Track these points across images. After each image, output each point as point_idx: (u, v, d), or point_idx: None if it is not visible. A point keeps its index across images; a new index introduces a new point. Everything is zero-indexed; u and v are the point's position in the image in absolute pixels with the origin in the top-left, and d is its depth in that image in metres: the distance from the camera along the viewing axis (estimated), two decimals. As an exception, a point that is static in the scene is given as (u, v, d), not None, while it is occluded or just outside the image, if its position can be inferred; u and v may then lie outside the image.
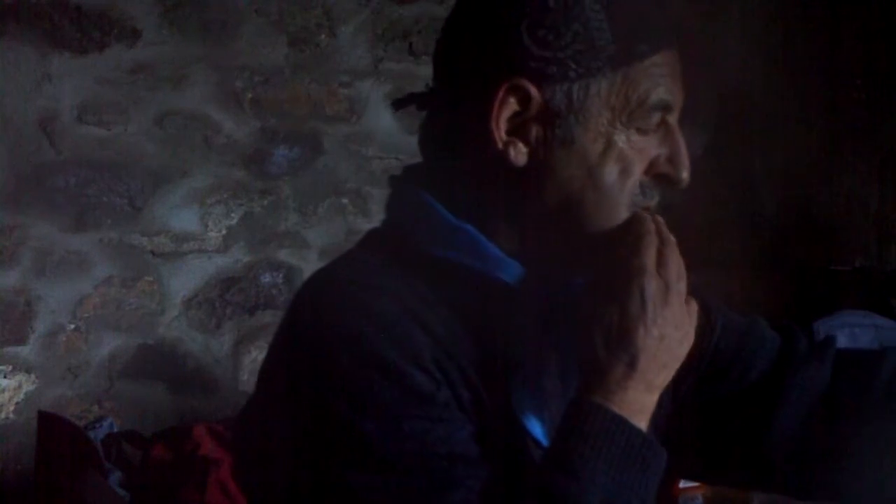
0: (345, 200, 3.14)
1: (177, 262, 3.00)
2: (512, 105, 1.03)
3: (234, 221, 3.05)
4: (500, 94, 1.02)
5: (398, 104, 1.16)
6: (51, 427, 2.56)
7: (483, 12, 1.05)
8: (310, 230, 3.11)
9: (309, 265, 3.09)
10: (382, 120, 3.18)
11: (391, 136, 3.19)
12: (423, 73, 3.21)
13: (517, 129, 1.03)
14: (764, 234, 3.18)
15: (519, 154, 1.04)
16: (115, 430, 2.78)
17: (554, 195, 1.05)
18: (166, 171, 2.98)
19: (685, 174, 1.08)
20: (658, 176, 1.07)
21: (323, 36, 3.14)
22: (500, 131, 1.03)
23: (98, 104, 2.91)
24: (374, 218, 3.17)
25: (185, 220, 3.00)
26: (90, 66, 2.89)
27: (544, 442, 1.05)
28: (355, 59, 3.17)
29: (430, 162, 1.13)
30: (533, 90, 1.02)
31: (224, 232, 3.04)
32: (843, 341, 2.34)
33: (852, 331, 2.36)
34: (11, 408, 2.83)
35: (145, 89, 2.95)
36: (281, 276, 3.09)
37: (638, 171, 1.06)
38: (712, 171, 3.22)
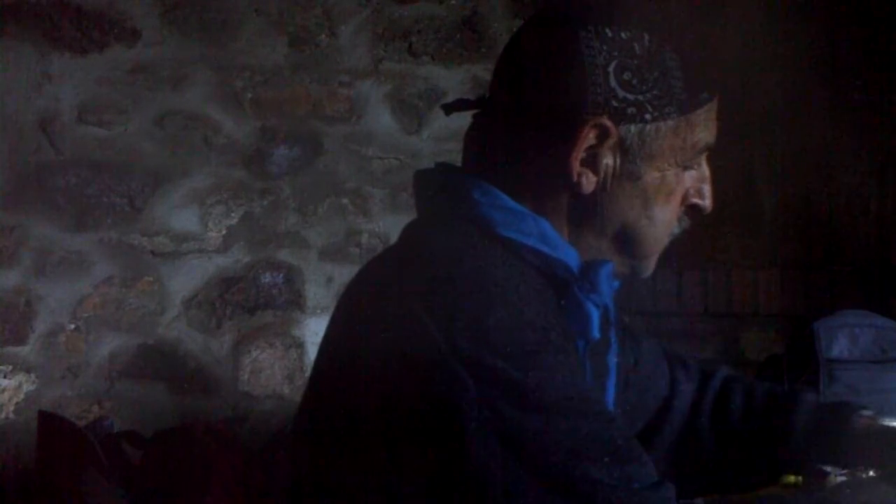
0: (345, 200, 3.14)
1: (177, 262, 3.00)
2: (590, 139, 1.12)
3: (234, 221, 3.05)
4: (585, 130, 1.11)
5: (448, 108, 1.24)
6: (51, 427, 2.56)
7: (569, 49, 1.12)
8: (310, 230, 3.11)
9: (309, 265, 3.09)
10: (382, 120, 3.18)
11: (391, 136, 3.19)
12: (422, 73, 3.22)
13: (589, 159, 1.13)
14: (764, 234, 3.18)
15: (589, 183, 1.13)
16: (115, 430, 2.77)
17: (612, 220, 1.16)
18: (166, 171, 2.98)
19: (711, 204, 1.21)
20: (689, 206, 1.20)
21: (323, 36, 3.14)
22: (577, 163, 1.12)
23: (98, 104, 2.91)
24: (375, 218, 3.18)
25: (185, 220, 3.00)
26: (90, 66, 2.89)
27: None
28: (355, 59, 3.17)
29: (481, 163, 1.19)
30: (612, 128, 1.11)
31: (224, 232, 3.04)
32: (843, 341, 2.34)
33: (852, 331, 2.35)
34: (11, 408, 2.83)
35: (145, 89, 2.95)
36: (281, 276, 3.09)
37: (678, 203, 1.19)
38: (712, 170, 3.23)
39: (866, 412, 1.40)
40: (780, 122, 3.14)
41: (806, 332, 2.36)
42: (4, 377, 2.83)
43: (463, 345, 1.02)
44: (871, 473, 1.43)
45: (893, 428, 1.39)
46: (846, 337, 2.34)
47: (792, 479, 1.72)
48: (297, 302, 3.09)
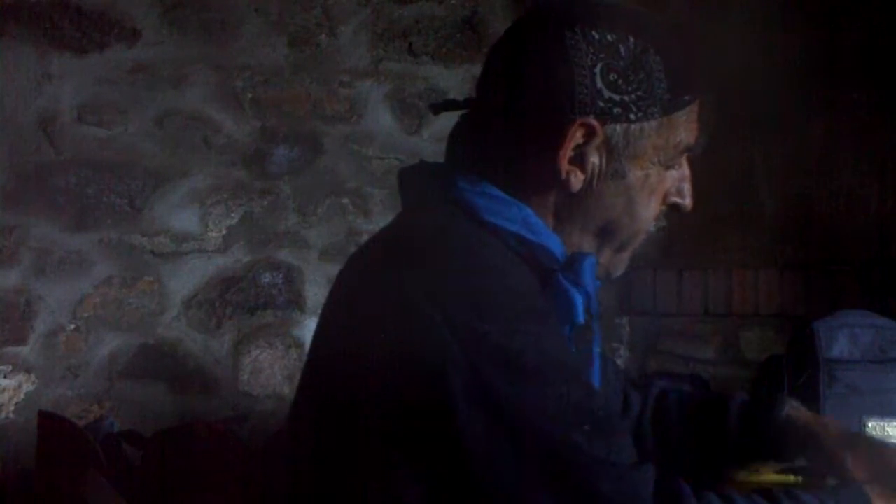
0: (345, 200, 3.14)
1: (177, 262, 3.00)
2: (577, 138, 1.14)
3: (234, 221, 3.05)
4: (572, 129, 1.14)
5: (436, 108, 1.28)
6: (51, 427, 2.56)
7: (557, 51, 1.15)
8: (310, 230, 3.11)
9: (309, 265, 3.09)
10: (382, 120, 3.18)
11: (391, 136, 3.19)
12: (422, 73, 3.22)
13: (576, 158, 1.16)
14: (764, 234, 3.18)
15: (577, 181, 1.16)
16: (115, 430, 2.77)
17: (596, 216, 1.19)
18: (166, 171, 2.98)
19: (691, 202, 1.25)
20: (670, 205, 1.24)
21: (323, 36, 3.14)
22: (565, 161, 1.15)
23: (98, 104, 2.91)
24: (375, 218, 3.17)
25: (185, 220, 3.00)
26: (90, 66, 2.90)
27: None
28: (355, 59, 3.17)
29: (467, 160, 1.21)
30: (598, 127, 1.14)
31: (224, 232, 3.04)
32: (843, 341, 2.34)
33: (852, 331, 2.35)
34: (11, 408, 2.83)
35: (145, 89, 2.95)
36: (281, 276, 3.09)
37: (659, 201, 1.22)
38: (712, 170, 3.23)
39: (794, 403, 1.44)
40: (780, 122, 3.14)
41: (806, 332, 2.36)
42: (4, 377, 2.83)
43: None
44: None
45: (819, 417, 1.44)
46: (846, 337, 2.34)
47: (792, 478, 1.72)
48: (297, 302, 3.09)
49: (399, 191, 1.27)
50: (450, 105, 1.27)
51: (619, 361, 3.23)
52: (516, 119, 1.17)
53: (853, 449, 1.35)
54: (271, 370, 3.07)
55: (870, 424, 2.15)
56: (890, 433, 2.15)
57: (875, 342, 2.33)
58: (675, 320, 3.26)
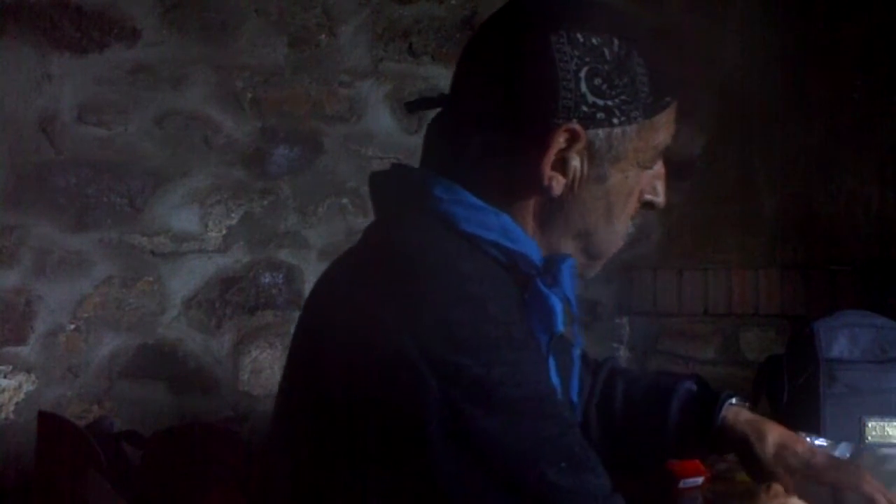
0: (345, 200, 3.14)
1: (177, 262, 3.00)
2: (560, 144, 1.13)
3: (234, 221, 3.05)
4: (556, 135, 1.12)
5: (411, 106, 1.27)
6: (51, 427, 2.56)
7: (541, 54, 1.12)
8: (310, 230, 3.11)
9: (309, 265, 3.09)
10: (382, 120, 3.18)
11: (391, 136, 3.19)
12: (422, 73, 3.22)
13: (558, 163, 1.14)
14: (764, 234, 3.18)
15: (558, 186, 1.15)
16: (115, 430, 2.77)
17: (576, 219, 1.18)
18: (166, 171, 2.98)
19: (664, 200, 1.24)
20: (643, 203, 1.23)
21: (323, 36, 3.14)
22: (548, 167, 1.13)
23: (98, 104, 2.91)
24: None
25: (185, 220, 3.00)
26: (90, 66, 2.89)
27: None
28: (355, 59, 3.17)
29: (443, 161, 1.19)
30: (581, 133, 1.12)
31: (224, 232, 3.04)
32: (843, 341, 2.34)
33: (852, 331, 2.35)
34: (11, 408, 2.83)
35: (145, 89, 2.95)
36: (281, 276, 3.09)
37: (636, 201, 1.21)
38: (712, 170, 3.23)
39: (735, 401, 1.46)
40: (780, 122, 3.14)
41: (806, 332, 2.36)
42: (4, 377, 2.83)
43: (426, 342, 1.02)
44: None
45: (758, 418, 1.46)
46: (846, 337, 2.34)
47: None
48: (297, 302, 3.09)
49: (371, 197, 1.25)
50: (425, 103, 1.25)
51: (619, 361, 3.23)
52: (496, 123, 1.15)
53: (785, 464, 1.37)
54: (271, 370, 3.07)
55: (870, 424, 2.15)
56: (890, 433, 2.15)
57: (875, 342, 2.33)
58: (675, 320, 3.26)
